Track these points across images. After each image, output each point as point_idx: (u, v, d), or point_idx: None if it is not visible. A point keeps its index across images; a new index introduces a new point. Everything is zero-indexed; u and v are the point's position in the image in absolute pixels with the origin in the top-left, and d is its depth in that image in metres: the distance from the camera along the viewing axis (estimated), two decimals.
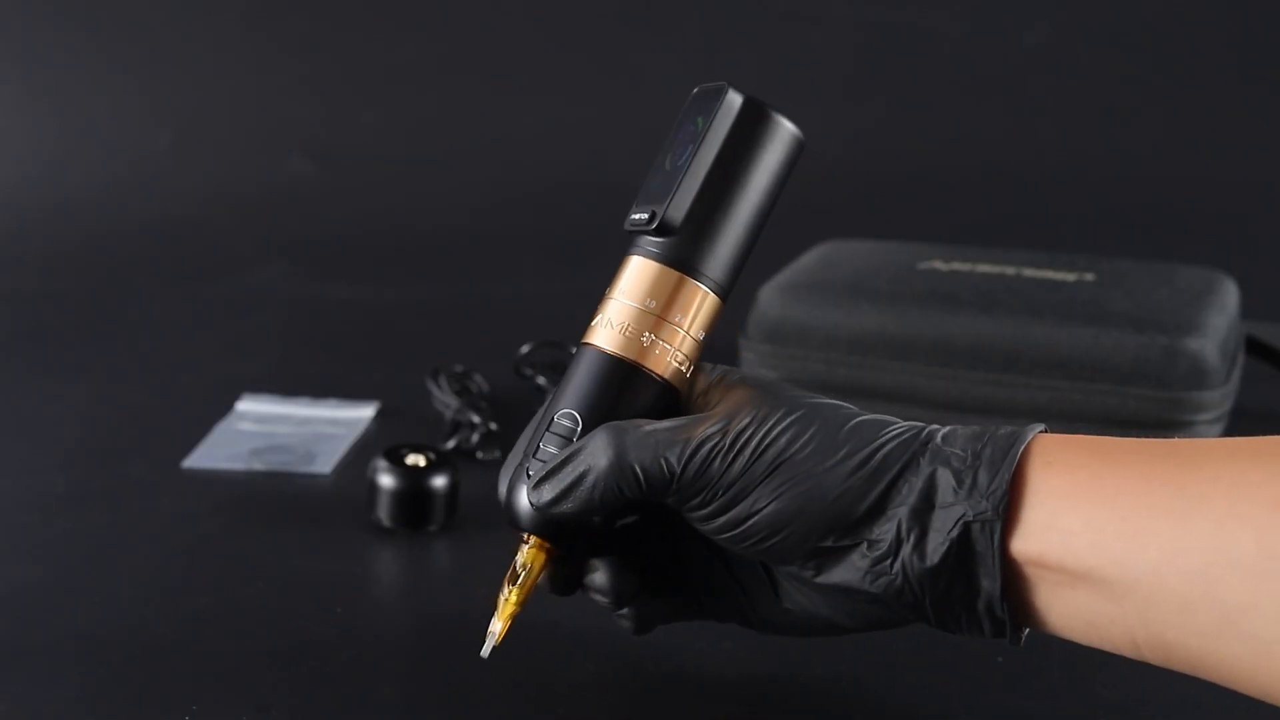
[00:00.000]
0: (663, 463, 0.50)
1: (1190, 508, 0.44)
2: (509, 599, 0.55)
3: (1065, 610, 0.48)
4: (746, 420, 0.50)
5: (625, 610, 0.57)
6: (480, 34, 1.88)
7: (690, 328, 0.54)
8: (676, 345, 0.54)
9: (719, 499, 0.50)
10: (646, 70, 1.89)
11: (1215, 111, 1.80)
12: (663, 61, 1.88)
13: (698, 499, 0.50)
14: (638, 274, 0.54)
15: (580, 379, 0.54)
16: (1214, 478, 0.44)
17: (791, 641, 0.67)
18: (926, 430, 0.51)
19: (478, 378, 1.01)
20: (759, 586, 0.56)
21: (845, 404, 0.53)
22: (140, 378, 1.10)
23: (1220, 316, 0.95)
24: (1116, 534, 0.45)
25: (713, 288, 0.54)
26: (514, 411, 0.95)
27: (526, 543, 0.55)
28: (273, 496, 0.86)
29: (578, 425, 0.53)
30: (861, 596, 0.51)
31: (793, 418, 0.50)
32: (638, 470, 0.50)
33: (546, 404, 0.55)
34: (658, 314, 0.53)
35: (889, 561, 0.49)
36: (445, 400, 0.97)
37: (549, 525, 0.54)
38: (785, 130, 0.55)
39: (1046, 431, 0.50)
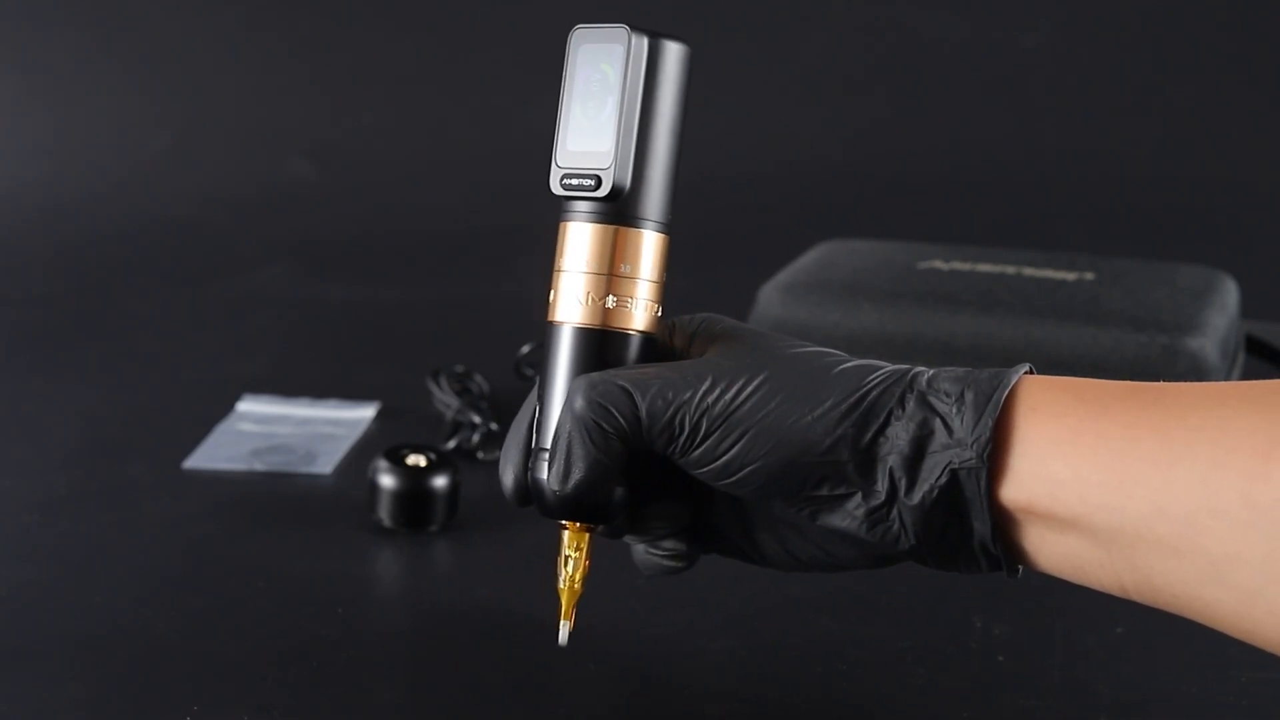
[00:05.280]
0: (626, 392, 0.50)
1: (1177, 455, 0.44)
2: (569, 588, 0.55)
3: (1054, 553, 0.48)
4: (717, 372, 0.50)
5: (670, 549, 0.56)
6: (480, 34, 1.88)
7: (648, 274, 0.54)
8: (640, 295, 0.53)
9: (700, 442, 0.50)
10: None
11: (1215, 111, 1.80)
12: None
13: (680, 437, 0.50)
14: (573, 240, 0.54)
15: (561, 359, 0.54)
16: (1201, 426, 0.44)
17: (791, 641, 0.67)
18: (912, 373, 0.51)
19: (478, 378, 1.01)
20: (756, 525, 0.55)
21: (831, 350, 0.52)
22: (140, 378, 1.10)
23: (1220, 316, 0.95)
24: (1102, 482, 0.45)
25: (658, 228, 0.54)
26: (514, 411, 0.95)
27: (565, 528, 0.55)
28: (273, 497, 0.86)
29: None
30: (857, 541, 0.51)
31: (769, 371, 0.50)
32: (604, 404, 0.50)
33: (535, 388, 0.55)
34: (612, 273, 0.53)
35: (884, 510, 0.49)
36: (446, 400, 0.97)
37: (578, 508, 0.53)
38: (684, 55, 0.54)
39: (1032, 372, 0.50)
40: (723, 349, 0.52)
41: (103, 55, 1.85)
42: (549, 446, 0.53)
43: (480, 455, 0.91)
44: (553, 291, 0.54)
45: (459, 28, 1.87)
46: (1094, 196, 1.71)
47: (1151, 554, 0.45)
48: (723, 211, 1.68)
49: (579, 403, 0.51)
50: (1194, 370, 0.89)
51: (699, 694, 0.63)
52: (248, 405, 1.00)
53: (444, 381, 0.98)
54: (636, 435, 0.51)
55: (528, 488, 0.54)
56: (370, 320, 1.29)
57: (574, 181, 0.54)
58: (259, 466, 0.89)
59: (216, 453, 0.91)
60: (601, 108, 0.53)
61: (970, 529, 0.49)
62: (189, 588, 0.73)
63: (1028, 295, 0.96)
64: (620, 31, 0.53)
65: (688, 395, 0.50)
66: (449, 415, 0.95)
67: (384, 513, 0.79)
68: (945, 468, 0.48)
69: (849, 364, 0.51)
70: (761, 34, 1.88)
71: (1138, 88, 1.83)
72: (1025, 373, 0.49)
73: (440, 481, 0.79)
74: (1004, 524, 0.48)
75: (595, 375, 0.51)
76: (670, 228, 0.54)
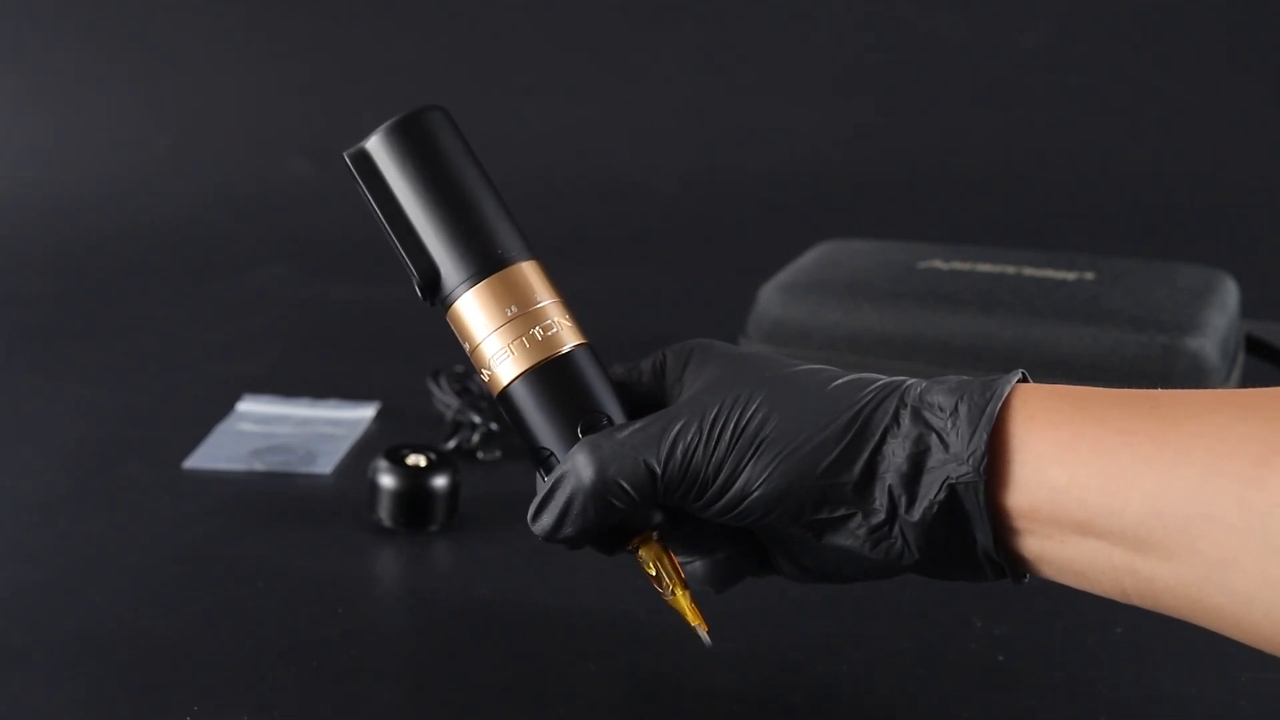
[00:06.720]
0: (643, 465, 0.50)
1: (1173, 461, 0.44)
2: (677, 596, 0.54)
3: (1057, 559, 0.48)
4: (718, 406, 0.50)
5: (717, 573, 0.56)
6: (480, 34, 1.88)
7: (539, 299, 0.54)
8: (551, 317, 0.54)
9: (711, 486, 0.50)
10: (646, 70, 1.89)
11: (1215, 111, 1.80)
12: (663, 61, 1.88)
13: (692, 491, 0.50)
14: (467, 315, 0.55)
15: (525, 417, 0.54)
16: (1197, 432, 0.44)
17: (791, 641, 0.67)
18: (904, 386, 0.50)
19: (478, 378, 1.01)
20: (766, 542, 0.55)
21: (823, 366, 0.52)
22: (140, 378, 1.10)
23: (1220, 316, 0.95)
24: (1100, 488, 0.45)
25: (518, 258, 0.55)
26: None
27: (634, 548, 0.54)
28: (273, 497, 0.86)
29: (554, 451, 0.54)
30: (863, 558, 0.51)
31: (764, 394, 0.50)
32: (620, 482, 0.50)
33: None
34: (508, 320, 0.54)
35: (886, 527, 0.49)
36: (446, 400, 0.97)
37: (632, 527, 0.53)
38: (417, 124, 0.56)
39: (1025, 379, 0.50)
40: (717, 377, 0.52)
41: (103, 55, 1.85)
42: (543, 491, 0.53)
43: (480, 455, 0.91)
44: (482, 372, 0.55)
45: (458, 28, 1.87)
46: (1094, 196, 1.71)
47: (1150, 559, 0.45)
48: (723, 211, 1.68)
49: (589, 475, 0.50)
50: (1194, 370, 0.89)
51: (698, 694, 0.63)
52: (248, 405, 1.00)
53: (444, 381, 0.98)
54: (649, 501, 0.51)
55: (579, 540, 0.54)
56: (370, 320, 1.29)
57: (418, 291, 0.56)
58: (259, 466, 0.89)
59: (216, 453, 0.91)
60: (383, 227, 0.56)
61: (973, 541, 0.49)
62: (189, 588, 0.74)
63: (1028, 295, 0.97)
64: (344, 157, 0.56)
65: (695, 443, 0.50)
66: (449, 415, 0.95)
67: (384, 513, 0.79)
68: (943, 483, 0.48)
69: (840, 381, 0.51)
70: (761, 34, 1.88)
71: (1138, 87, 1.83)
72: (1019, 380, 0.49)
73: (440, 481, 0.79)
74: (1006, 532, 0.48)
75: (604, 446, 0.51)
76: (528, 249, 0.55)
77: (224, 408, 0.99)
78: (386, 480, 0.79)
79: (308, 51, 1.88)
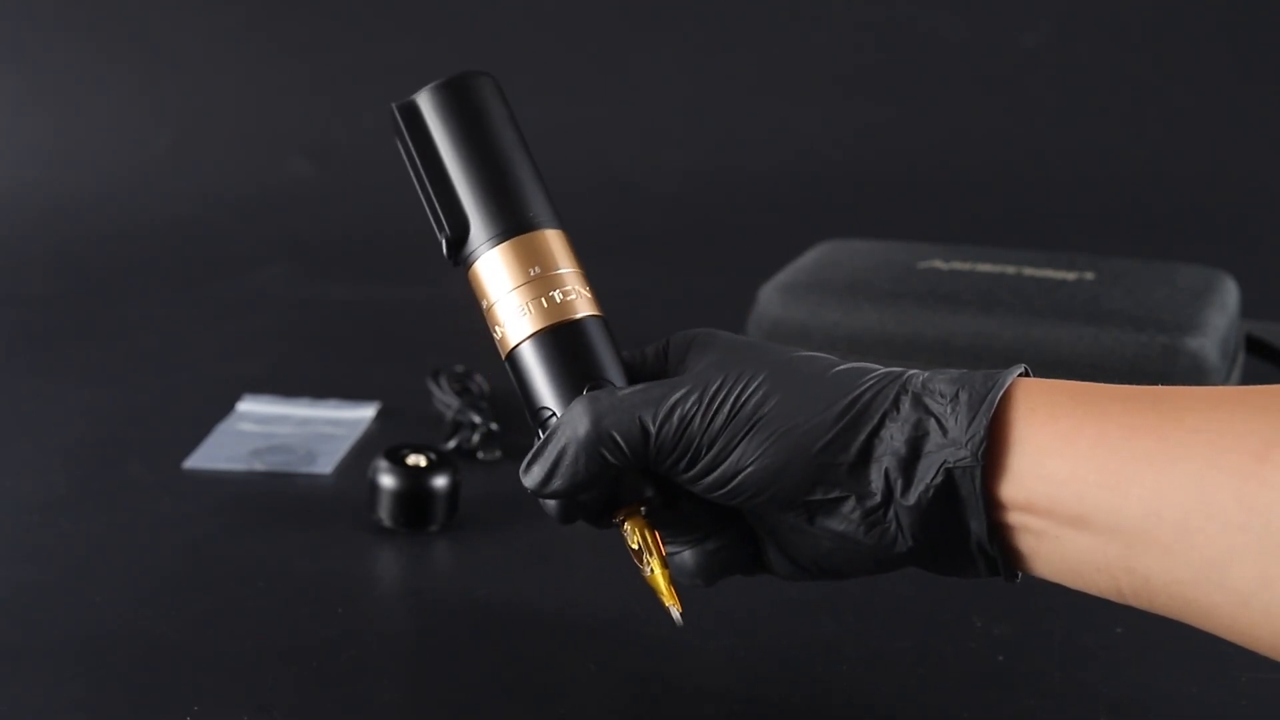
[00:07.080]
0: (639, 422, 0.50)
1: (1173, 456, 0.44)
2: (655, 572, 0.54)
3: (1052, 556, 0.48)
4: (720, 380, 0.51)
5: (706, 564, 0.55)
6: (480, 34, 1.88)
7: (562, 265, 0.55)
8: (569, 285, 0.54)
9: (703, 457, 0.50)
10: (646, 70, 1.89)
11: (1215, 111, 1.80)
12: (663, 61, 1.88)
13: (684, 459, 0.50)
14: (491, 271, 0.55)
15: (531, 376, 0.54)
16: (1197, 427, 0.44)
17: (791, 641, 0.67)
18: (906, 374, 0.51)
19: (478, 378, 1.01)
20: (758, 534, 0.55)
21: (825, 354, 0.53)
22: (140, 378, 1.10)
23: (1220, 316, 0.95)
24: (1099, 482, 0.45)
25: (543, 224, 0.55)
26: (514, 411, 0.95)
27: (619, 521, 0.54)
28: (273, 497, 0.86)
29: (555, 411, 0.54)
30: (856, 545, 0.51)
31: (766, 374, 0.51)
32: (615, 435, 0.50)
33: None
34: (529, 280, 0.54)
35: (881, 512, 0.49)
36: (446, 400, 0.97)
37: (623, 497, 0.53)
38: (466, 85, 0.56)
39: (1027, 374, 0.50)
40: (720, 358, 0.52)
41: (103, 56, 1.85)
42: (538, 444, 0.52)
43: (480, 455, 0.91)
44: (495, 330, 0.55)
45: (458, 28, 1.88)
46: (1094, 196, 1.71)
47: (1148, 555, 0.45)
48: (723, 211, 1.68)
49: (584, 425, 0.50)
50: (1194, 370, 0.89)
51: (698, 694, 0.63)
52: (248, 405, 1.00)
53: (444, 381, 0.98)
54: (640, 461, 0.51)
55: (570, 507, 0.54)
56: (370, 320, 1.29)
57: (444, 247, 0.56)
58: (259, 466, 0.89)
59: (216, 453, 0.91)
60: (418, 182, 0.56)
61: (967, 530, 0.49)
62: (189, 588, 0.74)
63: (1028, 295, 0.97)
64: (390, 108, 0.56)
65: (693, 412, 0.50)
66: (449, 415, 0.95)
67: (384, 513, 0.79)
68: (940, 467, 0.48)
69: (842, 367, 0.51)
70: (761, 34, 1.88)
71: (1138, 88, 1.83)
72: (1020, 374, 0.49)
73: (440, 481, 0.79)
74: (1001, 526, 0.48)
75: (602, 400, 0.51)
76: (557, 218, 0.56)
77: (224, 408, 0.99)
78: (386, 480, 0.79)
79: (308, 51, 1.88)
